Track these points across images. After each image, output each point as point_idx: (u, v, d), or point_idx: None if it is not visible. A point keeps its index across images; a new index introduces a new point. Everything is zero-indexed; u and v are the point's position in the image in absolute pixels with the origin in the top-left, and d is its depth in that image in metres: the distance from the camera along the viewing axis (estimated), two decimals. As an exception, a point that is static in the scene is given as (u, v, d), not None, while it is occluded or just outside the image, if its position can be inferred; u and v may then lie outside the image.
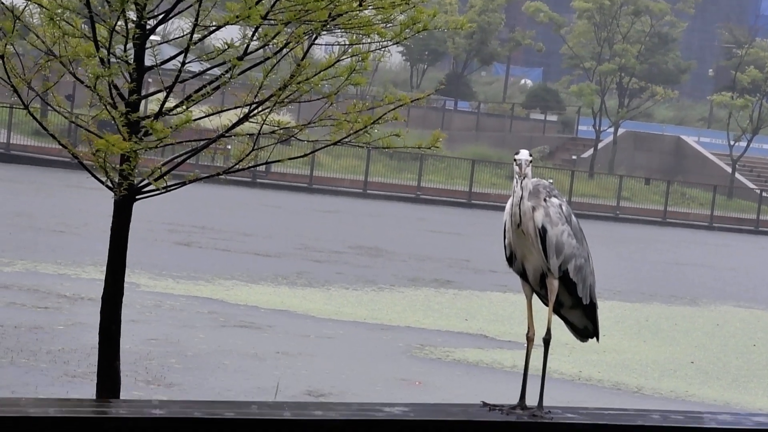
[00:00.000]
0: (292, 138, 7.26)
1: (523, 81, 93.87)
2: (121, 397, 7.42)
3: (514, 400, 5.25)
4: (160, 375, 13.72)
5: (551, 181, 48.98)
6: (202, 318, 17.74)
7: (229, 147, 33.56)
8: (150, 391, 12.82)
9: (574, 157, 69.90)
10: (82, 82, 6.27)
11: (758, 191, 66.04)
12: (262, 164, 7.25)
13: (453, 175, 58.11)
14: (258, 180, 50.44)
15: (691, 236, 52.37)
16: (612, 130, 70.67)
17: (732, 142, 70.21)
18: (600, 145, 70.25)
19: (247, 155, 6.82)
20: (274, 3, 6.36)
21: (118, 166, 6.36)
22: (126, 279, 7.39)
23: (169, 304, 18.51)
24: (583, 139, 74.59)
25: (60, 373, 13.32)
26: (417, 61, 79.90)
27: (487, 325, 19.78)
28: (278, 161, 7.17)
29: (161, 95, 6.75)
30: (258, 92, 6.75)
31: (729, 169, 70.89)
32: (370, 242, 31.76)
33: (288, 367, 14.93)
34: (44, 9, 6.01)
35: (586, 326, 5.48)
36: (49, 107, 6.86)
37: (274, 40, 6.51)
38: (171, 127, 6.35)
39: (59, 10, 6.02)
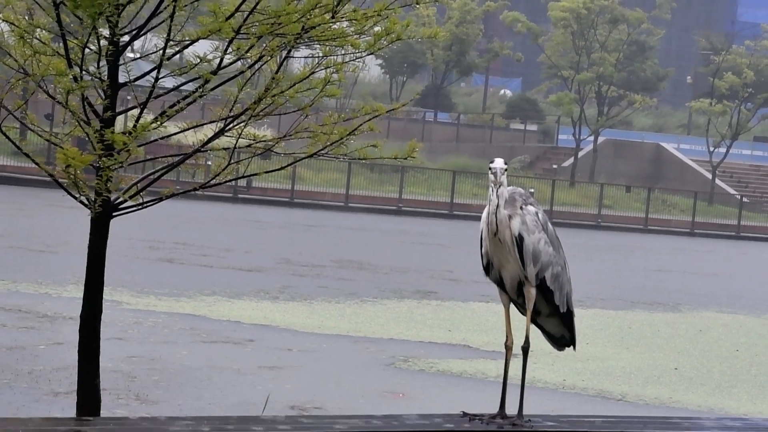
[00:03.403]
0: (271, 152, 7.26)
1: (502, 91, 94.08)
2: (103, 415, 7.39)
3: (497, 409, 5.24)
4: (142, 392, 13.67)
5: (533, 190, 49.01)
6: (185, 334, 17.70)
7: (209, 163, 33.55)
8: (132, 409, 12.77)
9: (554, 166, 70.03)
10: (54, 99, 6.25)
11: (739, 197, 66.25)
12: (239, 178, 7.25)
13: (434, 186, 58.15)
14: (239, 195, 50.41)
15: (672, 243, 52.46)
16: (592, 138, 70.81)
17: (711, 149, 70.46)
18: (580, 154, 70.39)
19: (224, 169, 6.81)
20: (247, 17, 6.36)
21: (90, 182, 6.34)
22: (107, 297, 7.37)
23: (151, 321, 18.46)
24: (563, 147, 74.75)
25: (42, 392, 13.26)
26: (396, 74, 79.96)
27: (470, 335, 19.76)
28: (255, 174, 7.17)
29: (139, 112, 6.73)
30: (233, 106, 6.74)
31: (709, 176, 71.13)
32: (352, 255, 31.74)
33: (271, 382, 14.89)
34: (15, 27, 5.98)
35: (563, 334, 5.42)
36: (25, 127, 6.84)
37: (248, 54, 6.50)
38: (144, 142, 6.33)
39: (29, 28, 5.99)
